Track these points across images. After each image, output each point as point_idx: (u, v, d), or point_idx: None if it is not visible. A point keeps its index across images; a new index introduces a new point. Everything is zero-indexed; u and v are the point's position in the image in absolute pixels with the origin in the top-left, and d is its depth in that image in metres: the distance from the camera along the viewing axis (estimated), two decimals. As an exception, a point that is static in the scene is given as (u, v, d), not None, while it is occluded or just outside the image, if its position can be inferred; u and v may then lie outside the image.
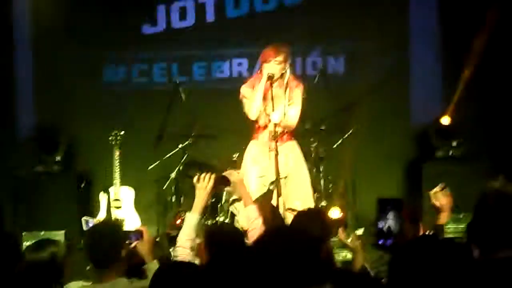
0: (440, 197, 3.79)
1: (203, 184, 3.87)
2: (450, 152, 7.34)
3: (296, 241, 2.75)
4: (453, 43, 7.56)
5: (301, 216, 3.52)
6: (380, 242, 2.61)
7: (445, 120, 7.36)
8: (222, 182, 3.86)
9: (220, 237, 3.36)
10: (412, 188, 7.58)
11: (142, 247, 3.74)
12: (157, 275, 2.57)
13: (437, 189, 3.80)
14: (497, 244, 3.00)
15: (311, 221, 3.28)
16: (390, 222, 2.64)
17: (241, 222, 4.95)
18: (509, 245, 2.37)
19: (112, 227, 3.67)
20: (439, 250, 2.06)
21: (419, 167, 7.33)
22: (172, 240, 4.88)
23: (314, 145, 6.80)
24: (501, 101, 7.50)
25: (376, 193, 6.79)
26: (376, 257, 3.75)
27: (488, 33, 7.14)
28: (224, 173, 3.93)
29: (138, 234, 3.77)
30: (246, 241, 3.56)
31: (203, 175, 3.94)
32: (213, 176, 3.88)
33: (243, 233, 3.45)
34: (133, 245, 3.70)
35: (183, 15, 7.87)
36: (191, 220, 3.88)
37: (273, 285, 2.59)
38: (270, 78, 5.32)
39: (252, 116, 5.48)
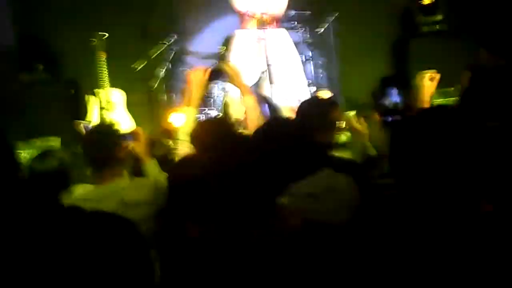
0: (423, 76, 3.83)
1: (198, 78, 3.86)
2: (436, 27, 7.33)
3: (292, 129, 2.81)
4: None
5: (302, 105, 3.56)
6: (389, 119, 2.65)
7: (428, -5, 7.33)
8: (217, 75, 3.85)
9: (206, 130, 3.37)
10: (399, 66, 7.61)
11: (139, 147, 3.78)
12: None
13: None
14: (486, 115, 3.09)
15: (312, 109, 3.32)
16: (395, 98, 2.68)
17: (236, 114, 4.99)
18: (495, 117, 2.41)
19: (107, 128, 3.70)
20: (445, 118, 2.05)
21: (405, 44, 7.35)
22: (170, 135, 4.92)
23: (300, 30, 6.76)
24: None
25: (364, 75, 6.85)
26: None
27: None
28: (218, 66, 3.91)
29: (134, 135, 3.80)
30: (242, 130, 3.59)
31: (193, 69, 3.93)
32: (208, 69, 3.87)
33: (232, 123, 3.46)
34: (130, 146, 3.74)
35: None
36: (188, 114, 3.89)
37: (271, 171, 2.67)
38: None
39: (237, 5, 5.42)
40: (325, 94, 6.55)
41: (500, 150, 2.31)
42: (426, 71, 3.99)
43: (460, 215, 1.84)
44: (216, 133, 3.24)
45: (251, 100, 3.75)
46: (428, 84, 3.82)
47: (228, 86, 5.42)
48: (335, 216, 2.28)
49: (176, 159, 3.66)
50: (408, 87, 2.83)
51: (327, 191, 2.32)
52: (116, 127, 3.65)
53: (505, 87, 3.22)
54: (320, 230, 2.24)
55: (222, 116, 5.37)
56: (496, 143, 2.20)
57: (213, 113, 6.44)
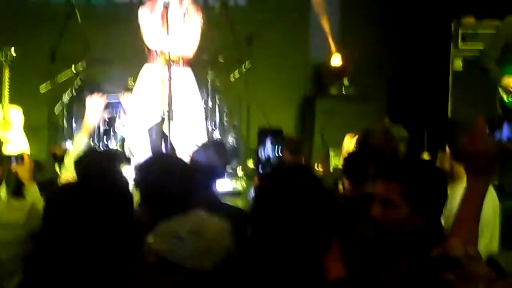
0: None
1: (94, 105, 3.84)
2: (343, 91, 7.56)
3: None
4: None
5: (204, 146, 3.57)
6: (260, 171, 2.67)
7: (337, 59, 7.56)
8: (113, 106, 3.83)
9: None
10: (305, 123, 7.77)
11: (23, 170, 3.79)
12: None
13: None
14: (365, 177, 3.19)
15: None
16: (268, 151, 2.70)
17: (131, 147, 4.95)
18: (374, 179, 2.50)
19: None
20: (295, 179, 2.11)
21: (313, 103, 7.53)
22: (58, 160, 4.84)
23: (211, 76, 6.81)
24: (392, 43, 7.75)
25: (270, 126, 6.93)
26: None
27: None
28: (116, 98, 3.88)
29: (20, 157, 3.79)
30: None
31: (94, 96, 3.91)
32: (104, 98, 3.85)
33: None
34: (13, 168, 3.72)
35: None
36: (79, 141, 3.85)
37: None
38: (166, 4, 5.24)
39: (148, 42, 5.42)
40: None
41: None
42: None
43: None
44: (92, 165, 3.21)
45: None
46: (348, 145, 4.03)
47: (128, 120, 5.37)
48: (198, 261, 2.25)
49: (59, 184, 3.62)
50: (282, 141, 2.86)
51: (192, 234, 2.29)
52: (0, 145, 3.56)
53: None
54: (179, 272, 2.21)
55: (110, 150, 5.33)
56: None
57: (112, 144, 6.35)
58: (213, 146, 3.66)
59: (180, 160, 2.98)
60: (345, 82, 7.55)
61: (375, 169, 3.11)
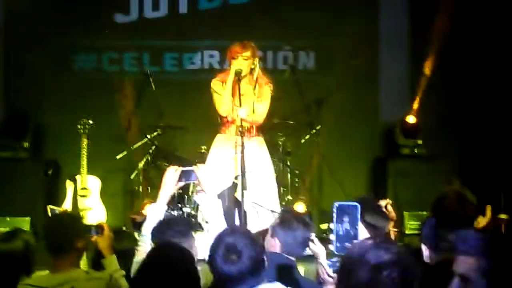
0: (389, 209, 3.89)
1: (169, 176, 3.90)
2: (415, 150, 7.48)
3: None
4: (421, 46, 7.72)
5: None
6: (337, 245, 2.65)
7: (411, 119, 7.51)
8: (187, 176, 3.89)
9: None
10: (377, 184, 7.70)
11: (102, 241, 3.84)
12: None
13: (385, 202, 3.89)
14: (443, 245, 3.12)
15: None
16: (346, 225, 2.69)
17: (204, 213, 5.00)
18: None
19: (70, 217, 3.75)
20: None
21: (385, 163, 7.47)
22: (138, 226, 4.90)
23: (281, 139, 6.88)
24: (464, 104, 7.68)
25: (342, 188, 6.92)
26: None
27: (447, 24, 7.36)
28: (190, 167, 3.95)
29: (99, 228, 3.85)
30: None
31: (170, 167, 3.98)
32: (179, 169, 3.91)
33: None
34: (93, 239, 3.77)
35: (156, 5, 7.86)
36: (155, 210, 3.91)
37: None
38: (238, 74, 5.35)
39: (221, 111, 5.52)
40: (299, 207, 6.60)
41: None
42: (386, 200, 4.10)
43: None
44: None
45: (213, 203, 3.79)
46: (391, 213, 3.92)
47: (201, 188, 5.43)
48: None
49: (137, 254, 3.67)
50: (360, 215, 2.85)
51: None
52: (81, 216, 3.68)
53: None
54: None
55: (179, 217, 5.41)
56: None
57: (187, 210, 6.45)
58: (295, 219, 3.61)
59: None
60: (419, 141, 7.47)
61: (453, 237, 3.05)
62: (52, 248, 3.43)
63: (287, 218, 3.58)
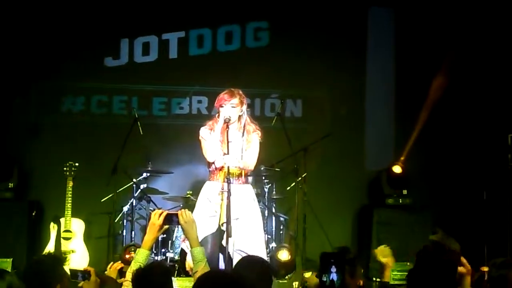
0: (387, 253, 3.91)
1: (154, 221, 3.90)
2: (400, 200, 7.52)
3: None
4: (406, 96, 7.84)
5: (242, 262, 3.56)
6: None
7: (397, 169, 7.56)
8: (171, 221, 3.89)
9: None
10: (361, 233, 7.71)
11: (88, 287, 3.76)
12: None
13: (382, 247, 3.92)
14: None
15: (250, 268, 3.31)
16: (333, 275, 2.71)
17: (189, 260, 4.97)
18: None
19: (52, 260, 3.67)
20: None
21: (370, 212, 7.49)
22: (122, 274, 4.86)
23: (267, 186, 6.90)
24: (449, 155, 7.77)
25: (326, 236, 6.92)
26: None
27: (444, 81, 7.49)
28: (174, 212, 3.95)
29: (85, 273, 3.78)
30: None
31: (155, 211, 3.98)
32: (164, 213, 3.91)
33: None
34: (80, 284, 3.72)
35: (146, 50, 7.94)
36: (140, 255, 3.90)
37: None
38: (226, 121, 5.39)
39: (209, 158, 5.53)
40: (283, 254, 6.59)
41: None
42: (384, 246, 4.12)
43: None
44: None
45: (197, 253, 3.78)
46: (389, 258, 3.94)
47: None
48: None
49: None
50: (345, 264, 2.86)
51: None
52: (63, 260, 3.62)
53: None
54: None
55: (160, 263, 5.37)
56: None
57: (170, 255, 6.41)
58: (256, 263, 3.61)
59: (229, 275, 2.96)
60: (404, 191, 7.52)
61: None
62: None
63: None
